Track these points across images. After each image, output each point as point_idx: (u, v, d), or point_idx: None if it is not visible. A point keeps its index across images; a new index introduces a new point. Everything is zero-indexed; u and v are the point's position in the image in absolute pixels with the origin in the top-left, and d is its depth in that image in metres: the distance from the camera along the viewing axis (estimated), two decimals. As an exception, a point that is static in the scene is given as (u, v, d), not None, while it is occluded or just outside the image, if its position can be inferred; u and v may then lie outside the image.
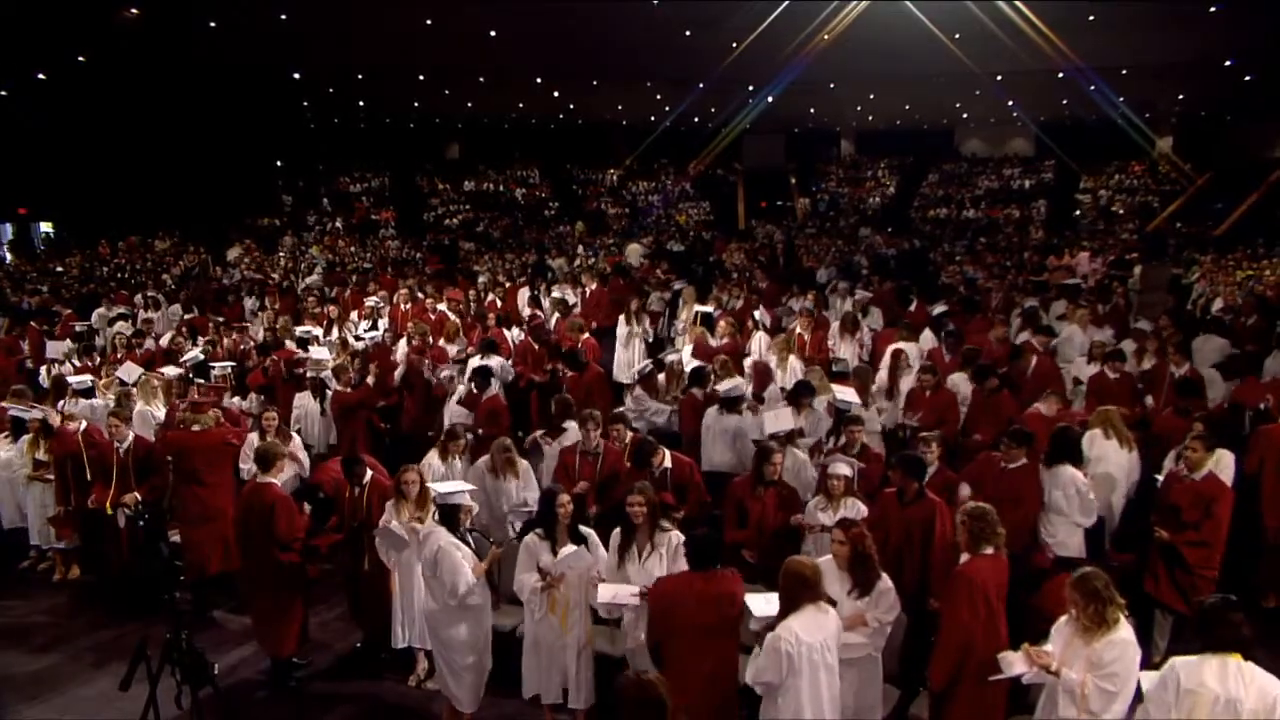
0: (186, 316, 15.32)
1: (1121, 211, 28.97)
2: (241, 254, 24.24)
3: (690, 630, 5.01)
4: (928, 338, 11.48)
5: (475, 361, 10.41)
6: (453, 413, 9.59)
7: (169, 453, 8.16)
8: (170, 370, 10.36)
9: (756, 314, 12.87)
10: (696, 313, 12.98)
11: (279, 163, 34.09)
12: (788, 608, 4.69)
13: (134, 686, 5.30)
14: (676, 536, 5.52)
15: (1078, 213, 29.89)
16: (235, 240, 25.99)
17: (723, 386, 8.76)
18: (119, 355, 11.85)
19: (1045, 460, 6.89)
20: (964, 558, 5.17)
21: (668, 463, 7.16)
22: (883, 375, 10.12)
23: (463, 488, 5.97)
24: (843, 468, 6.57)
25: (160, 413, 9.56)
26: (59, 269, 22.07)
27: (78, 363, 12.01)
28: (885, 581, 5.22)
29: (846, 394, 8.30)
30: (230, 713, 6.10)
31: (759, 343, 11.68)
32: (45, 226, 29.67)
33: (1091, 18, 19.22)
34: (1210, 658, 4.03)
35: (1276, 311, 13.45)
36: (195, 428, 7.98)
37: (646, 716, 3.73)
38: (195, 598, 7.84)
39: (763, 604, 4.89)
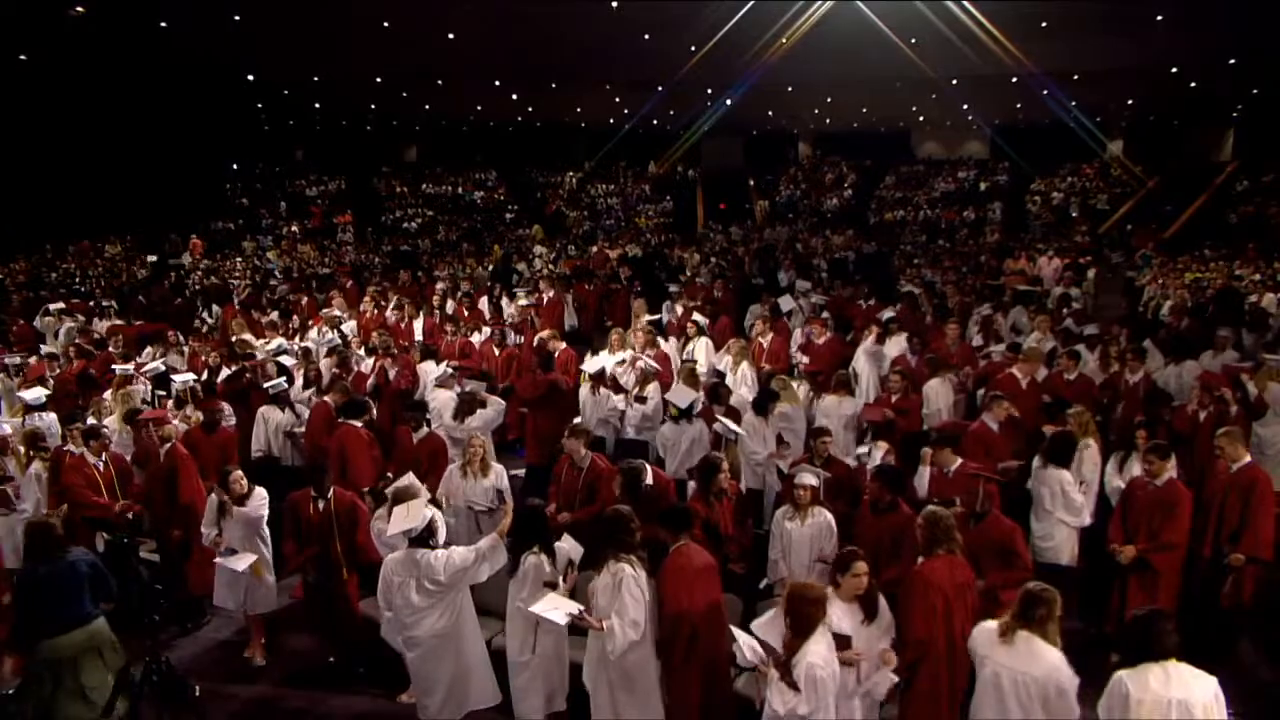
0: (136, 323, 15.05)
1: (1075, 214, 29.50)
2: (195, 261, 23.76)
3: (703, 604, 5.43)
4: (898, 343, 11.59)
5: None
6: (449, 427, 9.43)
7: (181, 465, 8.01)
8: (120, 368, 10.15)
9: (697, 317, 12.87)
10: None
11: (234, 165, 33.55)
12: (805, 631, 4.73)
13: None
14: (625, 570, 5.45)
15: (1031, 210, 30.35)
16: (189, 244, 25.47)
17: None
18: (73, 364, 11.58)
19: (1041, 462, 7.21)
20: (919, 560, 5.40)
21: (649, 479, 7.18)
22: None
23: (411, 522, 5.85)
24: (809, 478, 6.65)
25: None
26: (2, 277, 21.48)
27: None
28: (883, 602, 5.30)
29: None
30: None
31: (703, 348, 11.65)
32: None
33: (1044, 24, 19.58)
34: (1152, 666, 4.26)
35: (1213, 318, 13.76)
36: (166, 445, 7.84)
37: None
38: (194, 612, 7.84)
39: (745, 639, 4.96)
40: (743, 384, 10.37)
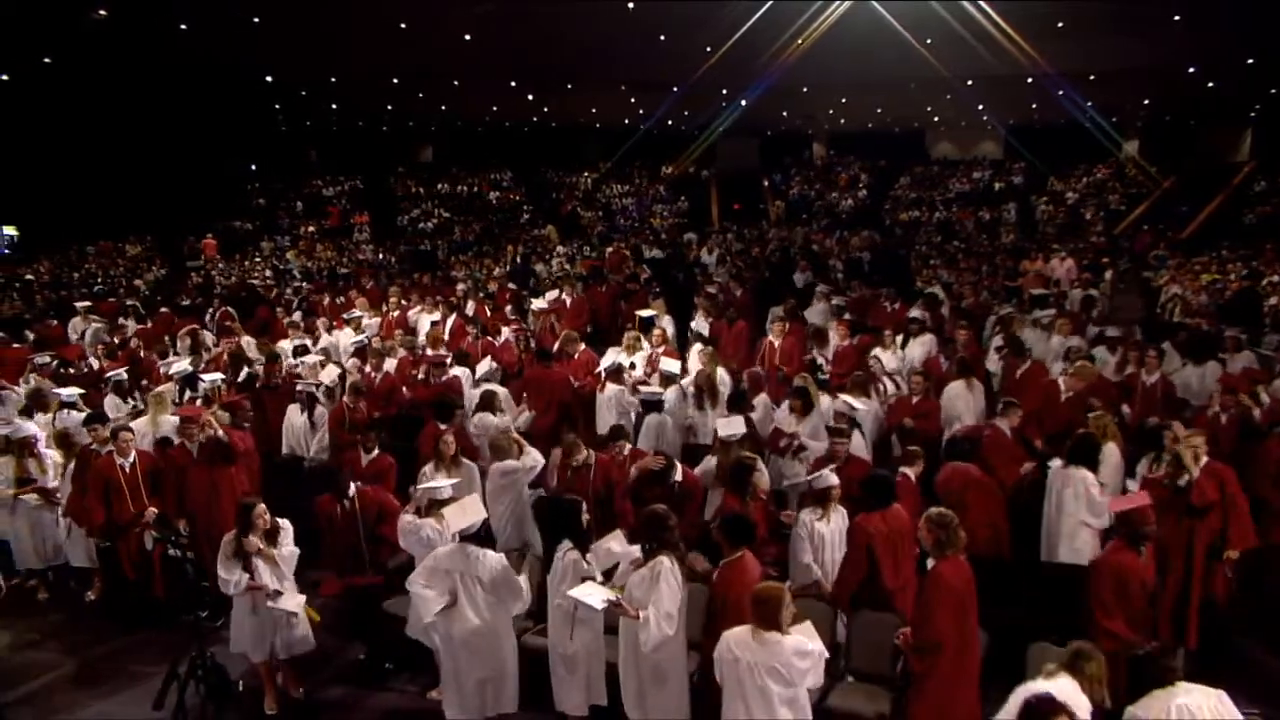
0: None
1: (1089, 215, 29.41)
2: (213, 262, 23.96)
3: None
4: (921, 344, 11.64)
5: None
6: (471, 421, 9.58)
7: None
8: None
9: (695, 326, 13.02)
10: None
11: (253, 166, 33.83)
12: (768, 626, 4.86)
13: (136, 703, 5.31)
14: (664, 563, 5.56)
15: (1045, 215, 30.21)
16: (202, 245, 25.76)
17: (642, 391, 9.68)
18: (102, 365, 11.76)
19: (1064, 461, 7.27)
20: (930, 562, 5.47)
21: (679, 475, 7.31)
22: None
23: (470, 518, 5.99)
24: (832, 478, 6.81)
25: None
26: (28, 276, 21.75)
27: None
28: None
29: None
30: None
31: (693, 354, 11.64)
32: (9, 230, 29.17)
33: (1060, 24, 19.59)
34: (1158, 693, 4.45)
35: (1233, 317, 13.75)
36: (190, 445, 7.95)
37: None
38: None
39: None
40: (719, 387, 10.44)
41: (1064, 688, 4.49)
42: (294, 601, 6.44)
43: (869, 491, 6.50)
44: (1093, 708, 4.58)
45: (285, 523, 6.70)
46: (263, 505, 6.55)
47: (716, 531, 5.77)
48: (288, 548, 6.62)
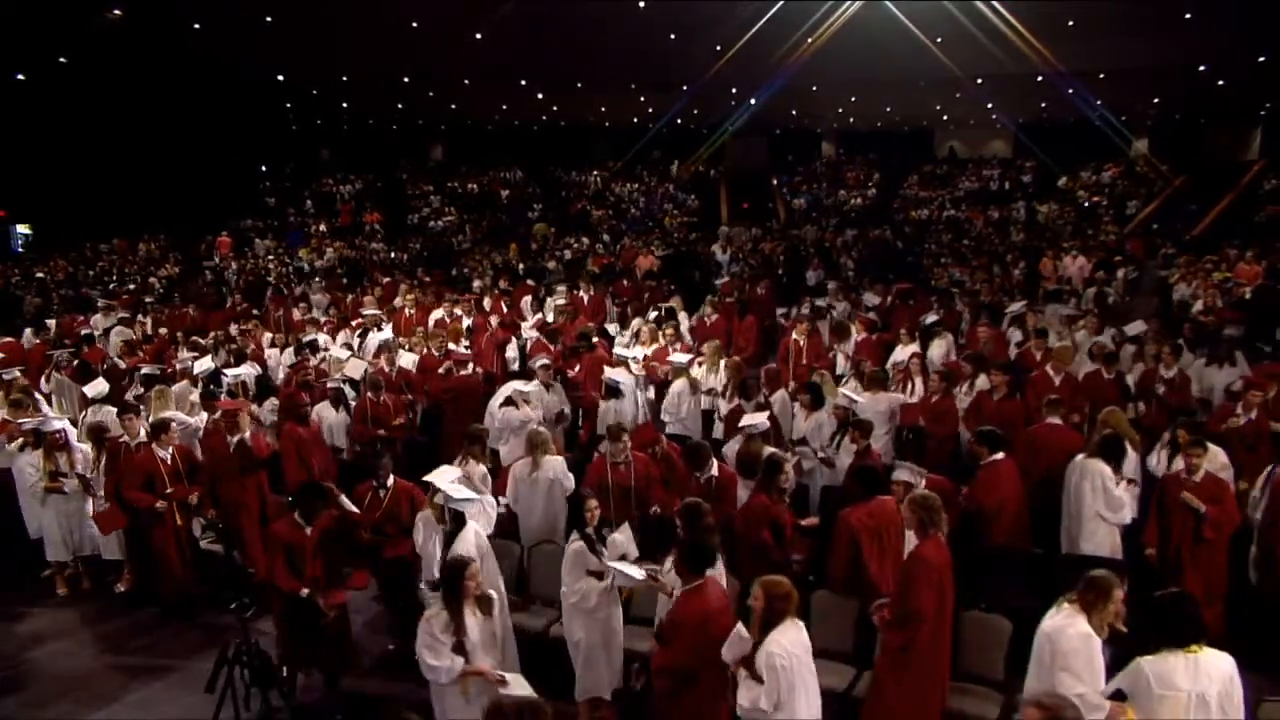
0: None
1: (1104, 204, 29.38)
2: (226, 260, 24.09)
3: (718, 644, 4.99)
4: (940, 344, 11.70)
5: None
6: (494, 415, 9.70)
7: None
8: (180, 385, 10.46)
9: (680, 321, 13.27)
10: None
11: (264, 167, 33.99)
12: (771, 624, 4.75)
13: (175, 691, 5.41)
14: None
15: (1050, 214, 30.16)
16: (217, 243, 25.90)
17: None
18: (127, 361, 11.89)
19: (1085, 453, 7.33)
20: (913, 542, 5.57)
21: (714, 471, 7.38)
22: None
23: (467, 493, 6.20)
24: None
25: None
26: (41, 274, 21.90)
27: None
28: None
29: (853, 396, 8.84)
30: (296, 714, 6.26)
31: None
32: (23, 228, 29.38)
33: (1071, 23, 19.63)
34: (1177, 654, 4.24)
35: (1257, 313, 13.78)
36: (230, 437, 8.09)
37: None
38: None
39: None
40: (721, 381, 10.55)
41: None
42: (525, 686, 5.10)
43: (857, 482, 6.64)
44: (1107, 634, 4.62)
45: (493, 593, 5.57)
46: (475, 564, 5.33)
47: (676, 561, 5.34)
48: (503, 618, 5.63)
